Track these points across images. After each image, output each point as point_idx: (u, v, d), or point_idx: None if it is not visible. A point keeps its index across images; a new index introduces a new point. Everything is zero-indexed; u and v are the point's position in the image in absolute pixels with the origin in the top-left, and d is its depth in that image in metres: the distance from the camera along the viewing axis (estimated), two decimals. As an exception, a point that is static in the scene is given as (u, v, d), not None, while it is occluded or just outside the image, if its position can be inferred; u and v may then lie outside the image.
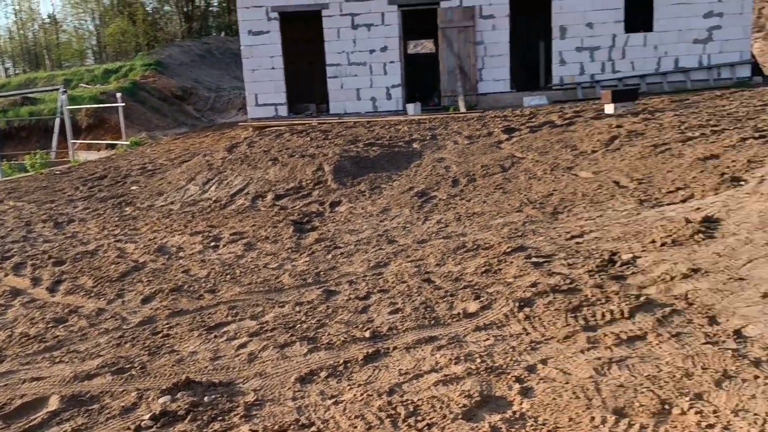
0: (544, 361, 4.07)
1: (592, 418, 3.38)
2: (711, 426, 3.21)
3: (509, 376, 3.91)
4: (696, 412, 3.32)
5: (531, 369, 4.00)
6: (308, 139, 13.05)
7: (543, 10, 18.11)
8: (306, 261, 6.63)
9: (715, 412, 3.32)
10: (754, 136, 8.73)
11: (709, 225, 5.85)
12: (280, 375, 4.25)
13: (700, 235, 5.66)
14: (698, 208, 6.43)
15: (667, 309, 4.60)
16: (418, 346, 4.48)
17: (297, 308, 5.34)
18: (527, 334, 4.49)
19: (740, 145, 8.41)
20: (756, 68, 18.56)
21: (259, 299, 5.66)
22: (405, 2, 17.96)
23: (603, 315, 4.61)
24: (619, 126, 10.90)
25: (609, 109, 13.54)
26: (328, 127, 14.96)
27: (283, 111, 18.53)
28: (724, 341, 4.09)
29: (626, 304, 4.69)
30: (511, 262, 5.87)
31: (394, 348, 4.48)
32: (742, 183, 6.87)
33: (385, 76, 18.28)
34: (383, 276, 5.97)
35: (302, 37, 20.34)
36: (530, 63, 20.73)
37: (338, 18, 18.12)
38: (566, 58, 17.72)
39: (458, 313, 4.94)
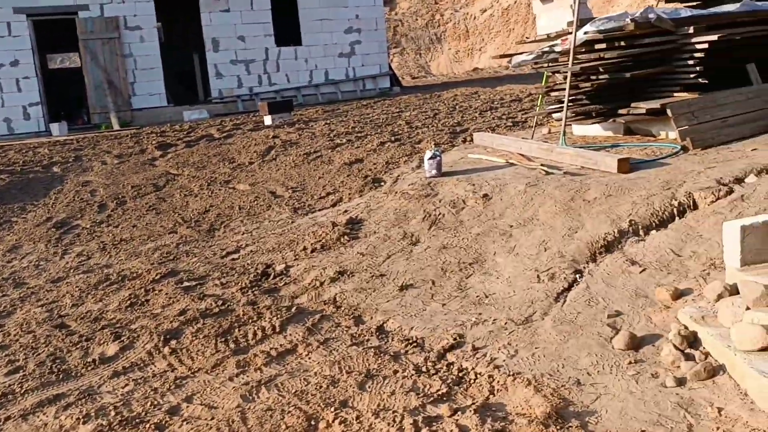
0: (189, 399, 3.67)
1: (236, 455, 3.09)
2: (354, 434, 3.15)
3: (148, 425, 3.42)
4: (340, 422, 3.24)
5: (174, 411, 3.56)
6: None
7: (194, 22, 17.70)
8: None
9: (358, 417, 3.28)
10: (391, 140, 9.50)
11: (353, 226, 6.07)
12: None
13: (346, 237, 5.83)
14: (345, 211, 6.66)
15: (317, 316, 4.56)
16: (39, 410, 3.72)
17: None
18: (173, 370, 4.04)
19: (380, 148, 9.07)
20: (395, 79, 20.68)
21: None
22: (35, 11, 15.95)
23: (255, 333, 4.38)
24: (275, 136, 11.02)
25: (268, 120, 13.70)
26: (-55, 155, 12.48)
27: None
28: (368, 340, 4.16)
29: (278, 318, 4.54)
30: (160, 290, 5.35)
31: (8, 418, 3.66)
32: (382, 183, 7.34)
33: (20, 94, 16.01)
34: (4, 328, 4.96)
35: None
36: (188, 76, 20.14)
37: (-50, 26, 15.35)
38: (222, 71, 17.56)
39: (94, 360, 4.27)
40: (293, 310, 4.67)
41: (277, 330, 4.39)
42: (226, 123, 13.76)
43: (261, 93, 17.80)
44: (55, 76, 21.62)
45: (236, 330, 4.45)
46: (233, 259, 5.94)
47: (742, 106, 6.74)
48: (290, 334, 4.33)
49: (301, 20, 18.13)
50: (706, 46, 6.62)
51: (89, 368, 4.19)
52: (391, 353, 3.92)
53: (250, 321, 4.56)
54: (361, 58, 19.00)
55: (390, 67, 20.87)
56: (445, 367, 3.70)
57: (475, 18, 33.55)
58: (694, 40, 6.74)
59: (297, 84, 18.24)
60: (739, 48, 7.07)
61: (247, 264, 5.74)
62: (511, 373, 3.52)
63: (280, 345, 4.18)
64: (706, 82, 6.71)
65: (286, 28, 18.30)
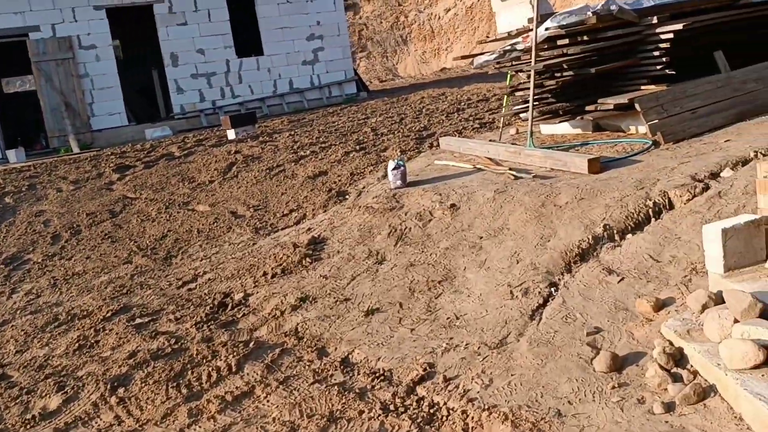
0: (134, 459, 3.32)
1: None
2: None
3: (86, 495, 3.07)
4: (299, 479, 2.92)
5: (116, 475, 3.22)
6: None
7: (152, 37, 17.23)
8: None
9: (319, 471, 2.96)
10: (356, 149, 9.18)
11: (316, 246, 5.74)
12: None
13: (308, 259, 5.50)
14: (309, 229, 6.33)
15: (277, 350, 4.23)
16: (-33, 483, 3.35)
17: None
18: (120, 423, 3.69)
19: (345, 159, 8.75)
20: (361, 84, 20.36)
21: None
22: (-18, 35, 15.41)
23: (209, 375, 4.04)
24: (237, 152, 10.65)
25: (231, 134, 13.30)
26: None
27: None
28: (331, 375, 3.84)
29: (234, 356, 4.20)
30: (111, 330, 4.98)
31: (-69, 495, 3.28)
32: (347, 197, 7.02)
33: (-28, 121, 15.44)
34: (-61, 384, 4.55)
35: None
36: (150, 93, 19.64)
37: None
38: (183, 85, 17.10)
39: (34, 417, 3.90)
40: (251, 345, 4.34)
41: (234, 369, 4.05)
42: (189, 139, 13.33)
43: (224, 106, 17.38)
44: (11, 101, 20.97)
45: (189, 372, 4.11)
46: (190, 290, 5.58)
47: (711, 95, 6.53)
48: (247, 374, 3.99)
49: (261, 30, 17.75)
50: (671, 35, 6.41)
51: (28, 427, 3.82)
52: (357, 390, 3.61)
53: (205, 361, 4.21)
54: (326, 65, 18.67)
55: (356, 73, 20.57)
56: (414, 404, 3.40)
57: (439, 18, 33.38)
58: (658, 30, 6.53)
59: (261, 95, 17.84)
60: (705, 35, 6.88)
61: (204, 294, 5.38)
62: (487, 407, 3.23)
63: (236, 387, 3.85)
64: (674, 73, 6.50)
65: (247, 39, 17.90)
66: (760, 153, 5.12)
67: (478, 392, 3.38)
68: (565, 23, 6.51)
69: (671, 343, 3.30)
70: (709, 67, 6.80)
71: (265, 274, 5.44)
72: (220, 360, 4.17)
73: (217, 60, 17.36)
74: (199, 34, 17.15)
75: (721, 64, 6.75)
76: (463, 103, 12.43)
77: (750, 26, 7.19)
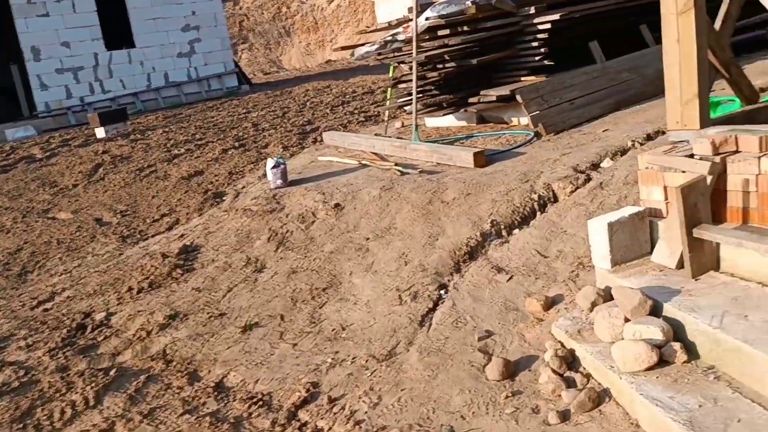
0: None
1: None
2: None
3: None
4: None
5: None
6: None
7: (9, 30, 15.73)
8: None
9: None
10: (235, 146, 8.67)
11: (188, 255, 5.26)
12: None
13: (179, 270, 5.01)
14: (182, 235, 5.82)
15: (142, 377, 3.77)
16: None
17: None
18: (-53, 481, 3.12)
19: (222, 157, 8.23)
20: (243, 77, 19.62)
21: None
22: None
23: (62, 412, 3.53)
24: (105, 151, 9.83)
25: (100, 132, 12.36)
26: None
27: None
28: (204, 403, 3.44)
29: (93, 387, 3.70)
30: (-53, 364, 4.30)
31: None
32: (224, 198, 6.55)
33: None
34: None
35: None
36: (10, 90, 17.99)
37: None
38: (47, 81, 15.74)
39: None
40: (113, 372, 3.84)
41: (91, 403, 3.56)
42: (54, 140, 12.24)
43: (94, 102, 16.17)
44: None
45: (39, 410, 3.57)
46: (45, 310, 4.95)
47: (588, 85, 6.61)
48: (107, 408, 3.52)
49: (132, 20, 16.66)
50: (548, 26, 6.41)
51: None
52: (231, 419, 3.24)
53: (58, 395, 3.69)
54: (203, 57, 17.81)
55: (236, 65, 19.81)
56: (297, 431, 3.07)
57: (322, 9, 32.95)
58: (536, 20, 6.51)
59: (134, 89, 16.76)
60: (581, 25, 6.96)
61: (62, 315, 4.78)
62: (375, 429, 2.96)
63: (94, 425, 3.37)
64: (552, 63, 6.52)
65: (117, 30, 16.75)
66: (637, 142, 5.17)
67: (366, 413, 3.10)
68: (445, 13, 6.36)
69: (563, 345, 3.17)
70: (586, 57, 6.88)
71: (130, 289, 4.91)
72: (76, 393, 3.66)
73: (85, 53, 16.11)
74: (64, 26, 15.83)
75: (597, 54, 6.84)
76: (348, 96, 12.16)
77: (624, 15, 7.36)
